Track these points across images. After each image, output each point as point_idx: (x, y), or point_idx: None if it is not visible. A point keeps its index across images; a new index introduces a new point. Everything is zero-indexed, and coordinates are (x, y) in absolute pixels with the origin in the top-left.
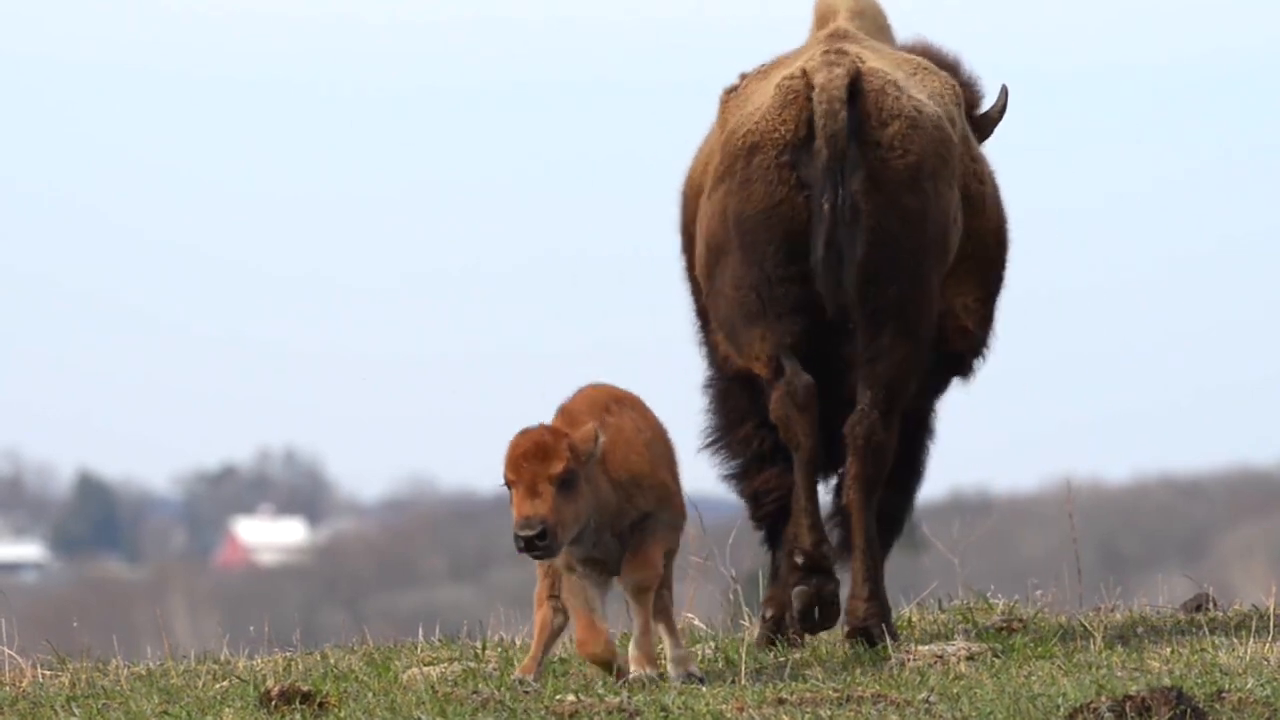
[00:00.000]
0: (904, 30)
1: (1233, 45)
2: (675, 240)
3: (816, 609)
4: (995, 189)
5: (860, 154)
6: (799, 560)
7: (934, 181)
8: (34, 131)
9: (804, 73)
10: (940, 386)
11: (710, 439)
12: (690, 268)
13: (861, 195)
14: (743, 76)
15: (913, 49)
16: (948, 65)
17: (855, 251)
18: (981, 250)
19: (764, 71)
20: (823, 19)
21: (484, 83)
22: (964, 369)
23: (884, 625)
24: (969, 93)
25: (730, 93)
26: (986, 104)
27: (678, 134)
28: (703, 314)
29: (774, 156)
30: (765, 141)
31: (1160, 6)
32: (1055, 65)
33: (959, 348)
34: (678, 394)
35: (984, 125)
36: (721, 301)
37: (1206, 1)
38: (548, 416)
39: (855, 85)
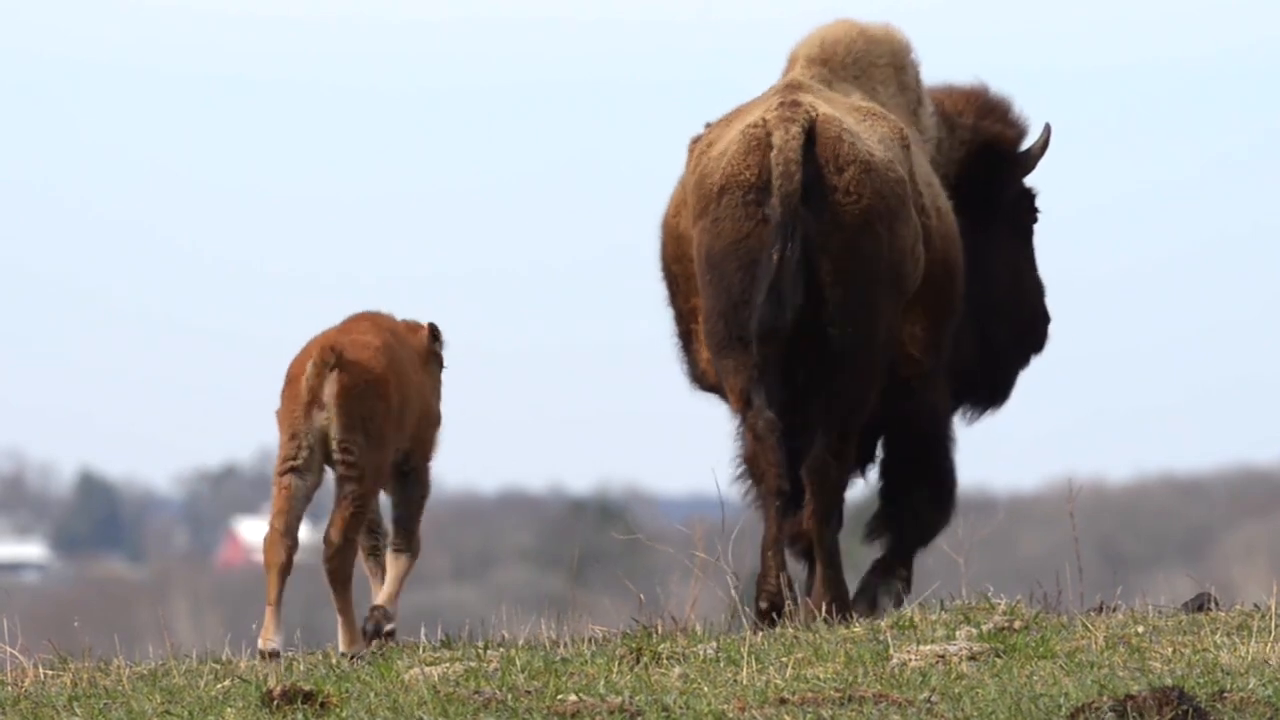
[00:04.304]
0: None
1: (1233, 45)
2: (656, 271)
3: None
4: (946, 221)
5: (820, 199)
6: (763, 605)
7: (888, 222)
8: (34, 131)
9: (765, 122)
10: (923, 407)
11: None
12: (670, 297)
13: (822, 238)
14: (708, 126)
15: (936, 92)
16: (995, 105)
17: (795, 298)
18: (930, 281)
19: (727, 120)
20: (791, 63)
21: (484, 83)
22: (914, 393)
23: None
24: (1014, 130)
25: (697, 141)
26: (1029, 141)
27: (677, 135)
28: (683, 338)
29: (740, 196)
30: (731, 184)
31: (1161, 6)
32: (1054, 65)
33: (905, 374)
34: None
35: (1026, 161)
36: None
37: (1208, 2)
38: (547, 415)
39: (811, 134)
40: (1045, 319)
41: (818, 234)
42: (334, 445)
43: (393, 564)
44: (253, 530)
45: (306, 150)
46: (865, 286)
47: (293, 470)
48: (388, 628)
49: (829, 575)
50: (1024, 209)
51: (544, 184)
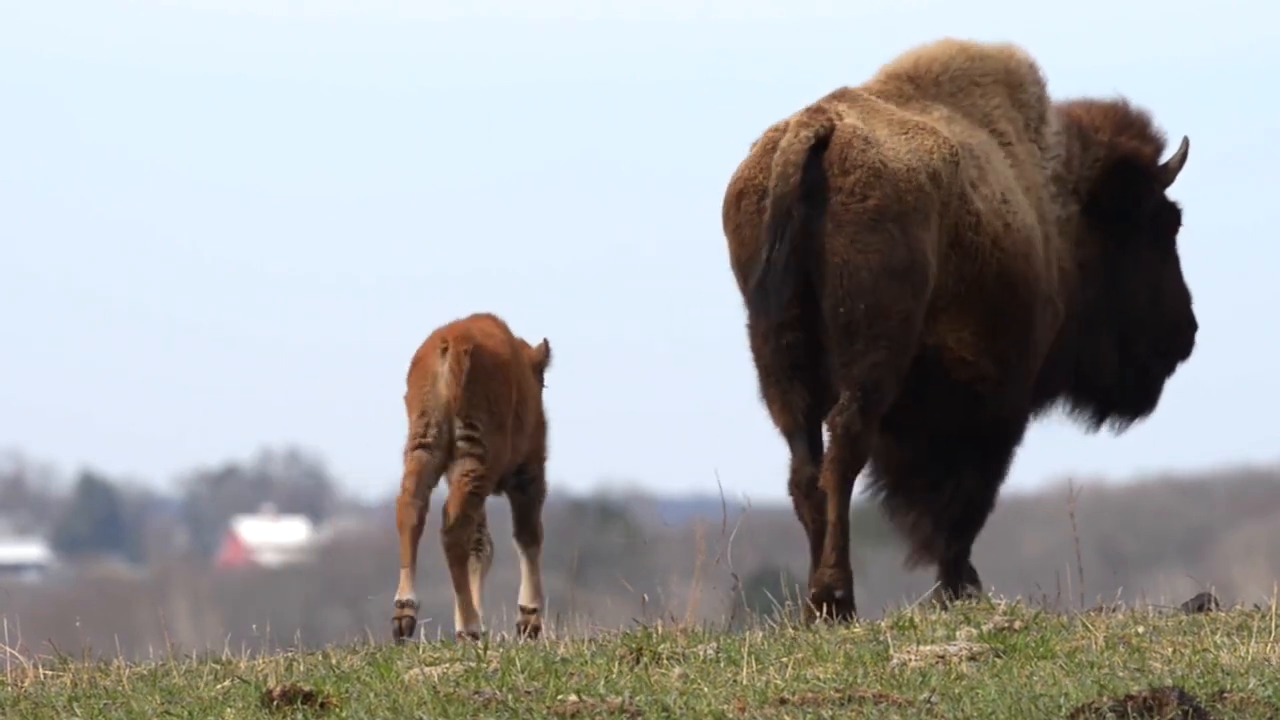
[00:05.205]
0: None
1: (1233, 45)
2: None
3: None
4: (1013, 236)
5: (823, 202)
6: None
7: (899, 223)
8: (34, 131)
9: (785, 126)
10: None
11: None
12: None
13: (827, 238)
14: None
15: (1075, 106)
16: (1133, 121)
17: (781, 297)
18: (977, 291)
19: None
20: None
21: (484, 83)
22: (982, 399)
23: (847, 593)
24: (1151, 145)
25: (753, 147)
26: (1168, 154)
27: (677, 135)
28: None
29: (755, 202)
30: (749, 187)
31: (1161, 6)
32: (1054, 65)
33: (962, 378)
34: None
35: (1163, 175)
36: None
37: (1208, 2)
38: (547, 415)
39: (826, 140)
40: (1191, 326)
41: (821, 235)
42: (458, 422)
43: (523, 556)
44: (253, 530)
45: (306, 150)
46: (873, 275)
47: (421, 447)
48: (538, 618)
49: (838, 540)
50: (1165, 221)
51: (544, 184)
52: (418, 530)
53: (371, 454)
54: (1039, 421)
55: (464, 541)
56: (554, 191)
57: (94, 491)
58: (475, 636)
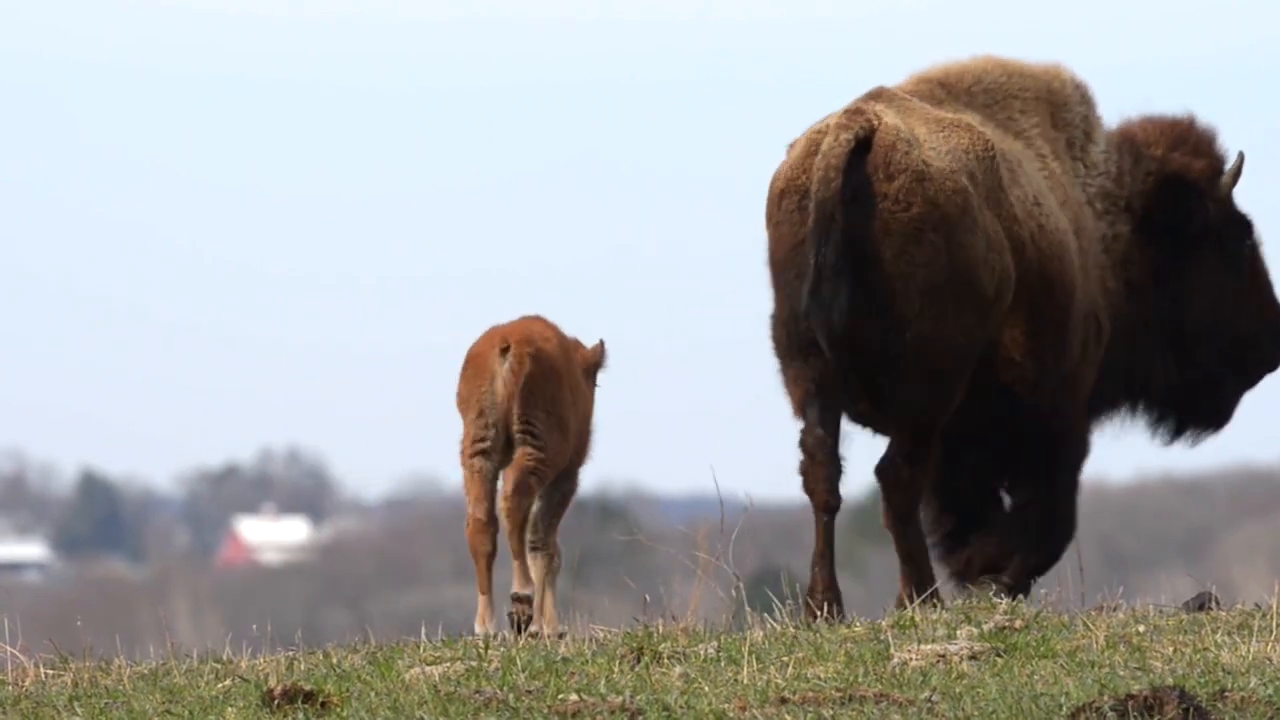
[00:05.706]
0: None
1: (1233, 45)
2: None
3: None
4: (1048, 237)
5: (869, 206)
6: (811, 619)
7: (944, 231)
8: (34, 131)
9: (827, 127)
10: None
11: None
12: None
13: (874, 245)
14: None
15: (1133, 123)
16: (1189, 137)
17: (840, 301)
18: (1023, 287)
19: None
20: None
21: (484, 83)
22: (1021, 403)
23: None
24: (1204, 161)
25: (791, 147)
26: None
27: (677, 135)
28: None
29: (797, 201)
30: (790, 187)
31: (1161, 6)
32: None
33: (1006, 379)
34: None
35: (1215, 191)
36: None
37: (1208, 1)
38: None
39: (867, 142)
40: (1275, 339)
41: (869, 241)
42: (516, 420)
43: (533, 567)
44: (253, 530)
45: (306, 150)
46: (922, 293)
47: (481, 453)
48: (558, 631)
49: (913, 576)
50: (1232, 234)
51: (544, 184)
52: (493, 556)
53: (371, 454)
54: (1097, 431)
55: (522, 508)
56: (554, 191)
57: (94, 491)
58: (526, 601)
